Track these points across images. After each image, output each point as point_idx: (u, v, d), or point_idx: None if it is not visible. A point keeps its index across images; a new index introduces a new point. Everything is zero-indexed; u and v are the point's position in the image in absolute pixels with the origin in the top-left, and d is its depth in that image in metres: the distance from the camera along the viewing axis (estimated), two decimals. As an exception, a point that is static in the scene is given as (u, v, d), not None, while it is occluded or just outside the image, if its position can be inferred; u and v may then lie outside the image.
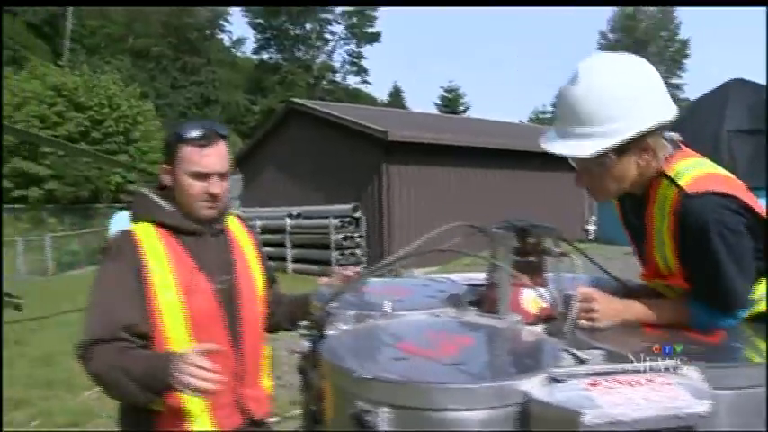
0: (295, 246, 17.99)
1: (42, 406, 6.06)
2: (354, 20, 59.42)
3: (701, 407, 1.15)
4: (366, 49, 66.25)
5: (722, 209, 1.63)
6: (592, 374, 1.26)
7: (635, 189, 1.83)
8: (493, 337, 1.60)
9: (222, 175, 2.16)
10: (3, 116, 11.05)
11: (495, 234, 1.78)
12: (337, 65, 63.94)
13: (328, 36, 61.72)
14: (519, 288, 1.73)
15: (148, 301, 2.02)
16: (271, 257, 13.88)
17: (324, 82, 61.94)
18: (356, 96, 61.78)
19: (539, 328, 1.68)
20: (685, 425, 1.14)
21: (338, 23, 60.26)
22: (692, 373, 1.29)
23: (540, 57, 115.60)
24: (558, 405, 1.16)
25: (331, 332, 1.65)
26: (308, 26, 59.65)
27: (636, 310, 1.73)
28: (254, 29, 59.63)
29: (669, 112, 1.71)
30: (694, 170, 1.72)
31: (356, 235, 16.60)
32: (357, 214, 16.60)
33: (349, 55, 62.82)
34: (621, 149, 1.70)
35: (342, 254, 16.27)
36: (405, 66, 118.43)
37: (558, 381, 1.24)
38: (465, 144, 17.24)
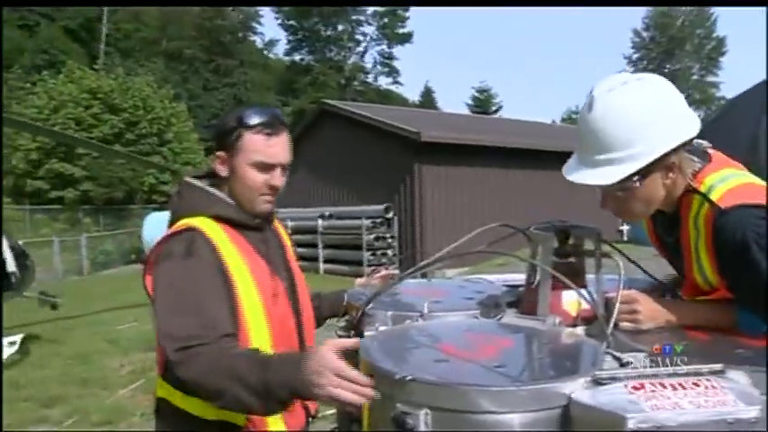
0: (327, 246, 18.05)
1: (77, 404, 6.15)
2: (386, 20, 59.41)
3: (752, 412, 1.12)
4: (397, 50, 66.39)
5: (758, 220, 1.57)
6: (636, 377, 1.23)
7: (665, 207, 1.78)
8: (533, 340, 1.58)
9: (284, 168, 2.01)
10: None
11: (535, 235, 1.76)
12: (369, 65, 64.05)
13: (360, 37, 61.85)
14: (560, 290, 1.71)
15: (233, 300, 1.85)
16: (303, 258, 13.93)
17: (355, 83, 62.07)
18: (387, 97, 61.82)
19: (579, 330, 1.65)
20: (734, 431, 1.12)
21: (369, 24, 60.34)
22: (739, 377, 1.26)
23: (574, 55, 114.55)
24: (601, 408, 1.13)
25: (368, 333, 1.65)
26: (339, 27, 59.84)
27: (680, 311, 1.69)
28: (286, 30, 60.01)
29: (691, 129, 1.64)
30: (725, 183, 1.66)
31: (388, 235, 16.61)
32: (389, 215, 16.60)
33: (380, 55, 62.90)
34: (646, 171, 1.64)
35: (374, 254, 16.29)
36: (436, 66, 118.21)
37: (601, 383, 1.22)
38: (497, 144, 17.16)
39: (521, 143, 17.69)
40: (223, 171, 2.01)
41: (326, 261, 17.99)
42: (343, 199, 19.48)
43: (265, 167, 1.97)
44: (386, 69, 63.53)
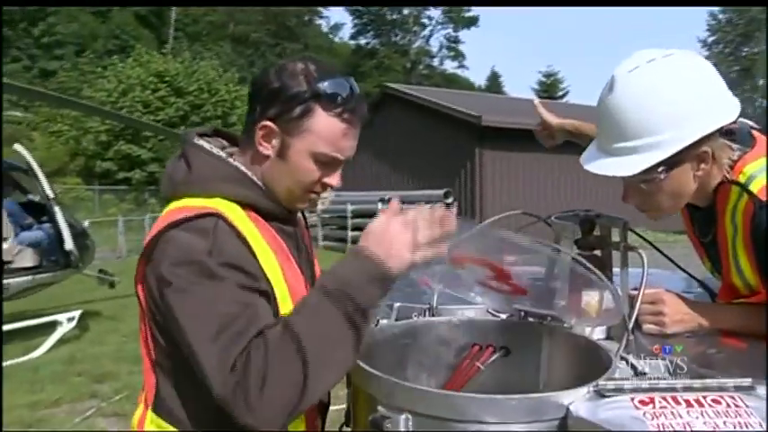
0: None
1: (128, 380, 6.22)
2: (452, 3, 58.96)
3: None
4: (464, 34, 65.76)
5: None
6: (645, 390, 1.08)
7: (698, 202, 1.58)
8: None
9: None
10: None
11: (556, 225, 1.61)
12: (434, 49, 63.68)
13: (425, 20, 61.51)
14: (579, 285, 1.55)
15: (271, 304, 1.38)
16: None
17: (420, 67, 61.85)
18: (453, 81, 61.48)
19: (600, 331, 1.50)
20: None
21: (435, 8, 59.90)
22: (770, 392, 1.10)
23: (645, 37, 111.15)
24: (599, 425, 0.99)
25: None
26: (405, 11, 59.57)
27: (714, 315, 1.51)
28: (352, 14, 60.10)
29: (728, 113, 1.43)
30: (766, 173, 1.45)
31: (447, 220, 16.38)
32: (449, 199, 16.39)
33: (446, 39, 62.45)
34: (673, 162, 1.43)
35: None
36: (503, 50, 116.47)
37: (606, 395, 1.07)
38: (562, 129, 16.72)
39: (586, 128, 17.21)
40: (267, 149, 1.45)
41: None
42: (403, 183, 19.39)
43: (329, 163, 1.46)
44: (451, 53, 63.16)
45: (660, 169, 1.44)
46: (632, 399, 1.05)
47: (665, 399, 1.05)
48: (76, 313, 7.85)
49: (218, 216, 1.35)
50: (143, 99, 28.50)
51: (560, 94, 57.22)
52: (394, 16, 60.35)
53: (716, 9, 54.16)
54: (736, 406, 1.03)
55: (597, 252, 1.63)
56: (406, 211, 1.23)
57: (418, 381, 1.16)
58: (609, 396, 1.07)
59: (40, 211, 8.67)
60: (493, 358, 1.43)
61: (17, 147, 8.81)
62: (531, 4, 66.61)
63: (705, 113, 1.40)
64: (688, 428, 0.97)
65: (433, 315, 1.63)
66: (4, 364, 6.94)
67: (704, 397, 1.05)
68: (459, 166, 16.82)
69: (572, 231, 1.56)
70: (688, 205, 1.63)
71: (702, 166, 1.47)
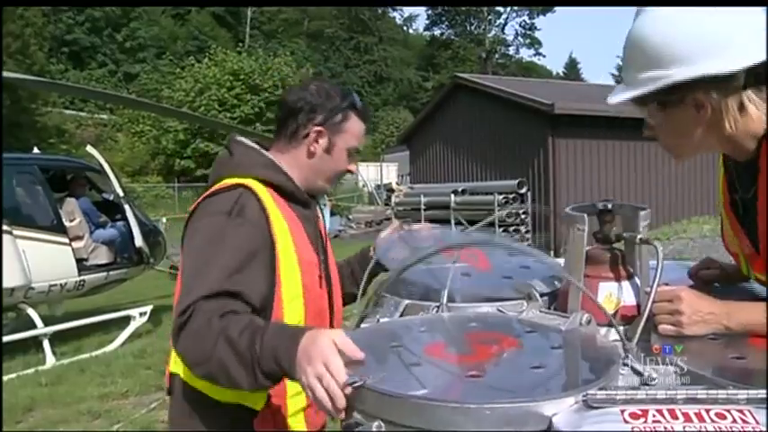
0: (459, 222, 17.76)
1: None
2: (527, -10, 57.98)
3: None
4: (540, 21, 64.59)
5: None
6: (640, 401, 0.96)
7: (738, 155, 1.44)
8: (544, 342, 1.31)
9: None
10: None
11: (566, 216, 1.47)
12: (510, 38, 62.74)
13: (500, 9, 60.59)
14: (594, 280, 1.42)
15: (273, 270, 1.67)
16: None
17: (496, 56, 61.06)
18: (530, 69, 60.57)
19: (613, 333, 1.36)
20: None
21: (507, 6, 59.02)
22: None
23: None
24: (580, 440, 0.88)
25: (365, 325, 1.45)
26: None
27: (741, 314, 1.32)
28: (425, 5, 59.78)
29: (744, 56, 1.27)
30: None
31: (521, 211, 16.09)
32: (522, 190, 16.09)
33: (522, 27, 61.40)
34: (665, 102, 1.37)
35: (506, 231, 15.85)
36: (581, 36, 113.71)
37: (594, 407, 0.96)
38: (635, 115, 16.04)
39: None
40: (316, 148, 1.85)
41: (458, 237, 17.73)
42: (476, 173, 19.18)
43: (352, 154, 1.94)
44: (527, 41, 62.05)
45: (650, 105, 1.42)
46: (623, 411, 0.93)
47: (660, 412, 0.93)
48: (148, 308, 8.05)
49: (245, 187, 1.70)
50: (219, 97, 29.04)
51: (641, 78, 55.53)
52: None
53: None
54: (744, 421, 0.90)
55: (615, 245, 1.49)
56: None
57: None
58: (598, 407, 0.95)
59: (114, 210, 8.95)
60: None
61: (89, 149, 9.10)
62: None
63: (707, 61, 1.28)
64: (680, 447, 0.85)
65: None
66: (82, 357, 7.23)
67: (707, 411, 0.93)
68: (532, 155, 16.45)
69: (583, 223, 1.42)
70: (731, 162, 1.52)
71: (701, 113, 1.34)
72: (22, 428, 5.28)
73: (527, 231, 16.10)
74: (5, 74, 8.44)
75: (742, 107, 1.33)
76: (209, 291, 1.48)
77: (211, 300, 1.47)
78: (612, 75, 56.61)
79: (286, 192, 1.81)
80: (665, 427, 0.89)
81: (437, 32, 61.36)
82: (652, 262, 1.44)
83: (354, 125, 1.89)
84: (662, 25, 1.32)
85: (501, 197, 15.99)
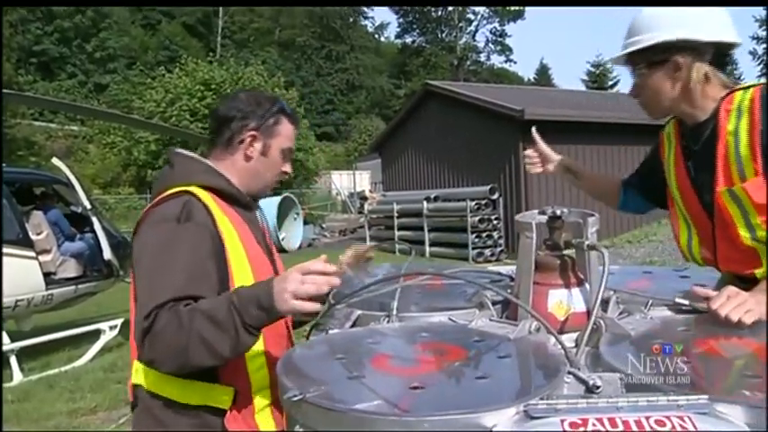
0: (432, 229, 17.79)
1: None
2: (496, -3, 58.37)
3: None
4: (510, 27, 65.04)
5: None
6: (581, 410, 0.95)
7: (696, 114, 1.86)
8: (489, 352, 1.30)
9: None
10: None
11: (518, 223, 1.47)
12: (481, 45, 63.13)
13: (471, 16, 61.04)
14: (544, 287, 1.42)
15: (226, 270, 1.74)
16: (409, 241, 13.86)
17: (468, 63, 61.42)
18: (501, 76, 60.86)
19: (565, 340, 1.35)
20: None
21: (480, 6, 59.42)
22: (734, 412, 0.96)
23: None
24: (518, 453, 0.87)
25: (312, 338, 1.43)
26: (449, 7, 59.24)
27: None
28: (396, 13, 60.02)
29: (713, 33, 1.75)
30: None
31: (493, 217, 16.16)
32: (494, 196, 16.17)
33: (492, 34, 61.81)
34: (651, 62, 1.82)
35: (478, 237, 15.92)
36: (552, 41, 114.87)
37: (535, 417, 0.95)
38: (606, 120, 16.28)
39: (632, 119, 16.53)
40: (254, 152, 1.95)
41: (432, 244, 17.73)
42: (448, 180, 19.27)
43: (287, 155, 2.03)
44: (498, 48, 62.47)
45: (641, 65, 1.85)
46: (563, 420, 0.93)
47: (600, 420, 0.92)
48: (119, 321, 7.92)
49: (189, 194, 1.77)
50: (190, 107, 28.76)
51: (610, 83, 55.91)
52: (439, 13, 60.06)
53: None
54: (683, 427, 0.90)
55: (566, 252, 1.48)
56: (314, 262, 1.45)
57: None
58: (539, 417, 0.94)
59: (83, 223, 8.83)
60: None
61: (55, 161, 8.96)
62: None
63: (683, 26, 1.75)
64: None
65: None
66: (51, 372, 7.10)
67: (647, 418, 0.92)
68: (503, 161, 16.56)
69: (531, 230, 1.42)
70: (683, 129, 1.95)
71: (677, 74, 1.80)
72: (-14, 447, 5.17)
73: (500, 237, 16.17)
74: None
75: (707, 77, 1.79)
76: (171, 295, 1.53)
77: (173, 303, 1.53)
78: (583, 80, 56.98)
79: (228, 195, 1.89)
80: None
81: (408, 40, 61.57)
82: (615, 267, 1.46)
83: (286, 127, 1.99)
84: (655, 6, 1.82)
85: (473, 203, 16.04)
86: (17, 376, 6.92)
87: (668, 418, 0.92)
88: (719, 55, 1.80)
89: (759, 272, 1.71)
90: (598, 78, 55.07)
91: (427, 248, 17.69)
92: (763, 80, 1.74)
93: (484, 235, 16.01)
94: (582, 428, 0.90)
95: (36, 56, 44.30)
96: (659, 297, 1.56)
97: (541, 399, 0.98)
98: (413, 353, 1.30)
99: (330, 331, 1.49)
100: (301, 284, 1.39)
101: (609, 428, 0.90)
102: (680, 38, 1.74)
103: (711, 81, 1.79)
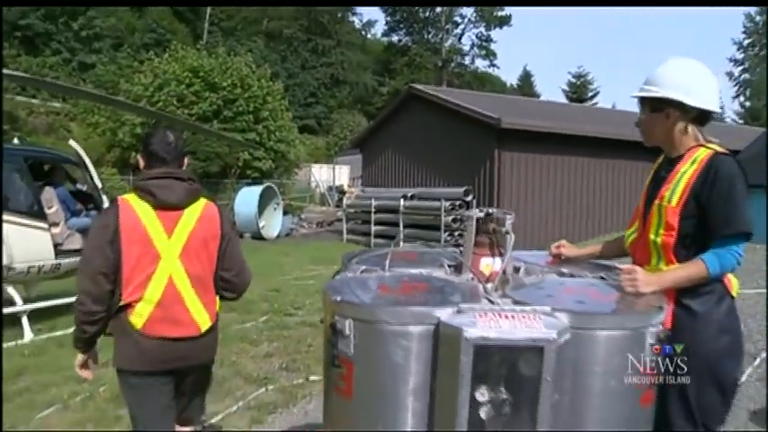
0: (407, 225, 18.59)
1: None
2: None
3: (550, 334, 1.75)
4: (496, 33, 65.45)
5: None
6: (485, 311, 1.86)
7: (671, 151, 2.58)
8: (444, 286, 2.23)
9: None
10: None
11: (466, 218, 2.41)
12: (466, 48, 63.66)
13: (458, 19, 61.53)
14: (479, 256, 2.35)
15: (117, 257, 2.81)
16: (384, 236, 14.46)
17: (452, 65, 61.82)
18: (484, 80, 61.33)
19: (489, 285, 2.27)
20: (536, 346, 1.74)
21: (468, 6, 59.92)
22: (562, 316, 1.88)
23: (677, 41, 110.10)
24: (452, 325, 1.78)
25: (338, 276, 2.35)
26: (437, 9, 59.72)
27: (668, 276, 2.41)
28: (385, 11, 60.34)
29: (698, 102, 2.46)
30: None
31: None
32: (468, 197, 17.01)
33: (478, 38, 62.42)
34: (653, 108, 2.56)
35: (451, 235, 16.76)
36: (536, 50, 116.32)
37: (461, 312, 1.86)
38: (578, 133, 17.21)
39: (604, 132, 17.32)
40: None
41: (406, 239, 18.58)
42: (426, 180, 20.09)
43: None
44: (483, 52, 63.10)
45: (646, 107, 2.59)
46: (476, 314, 1.84)
47: (495, 314, 1.84)
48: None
49: (117, 201, 2.91)
50: (178, 93, 29.18)
51: (590, 95, 57.19)
52: (426, 14, 60.58)
53: (753, 10, 53.80)
54: (534, 319, 1.82)
55: (492, 236, 2.43)
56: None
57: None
58: (464, 312, 1.86)
59: (87, 200, 9.61)
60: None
61: (71, 143, 9.72)
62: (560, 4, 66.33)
63: (678, 91, 2.46)
64: (499, 328, 1.75)
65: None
66: (58, 333, 7.81)
67: (514, 315, 1.84)
68: (479, 165, 17.43)
69: (472, 222, 2.36)
70: (662, 160, 2.67)
71: (667, 121, 2.52)
72: (15, 390, 5.84)
73: (470, 236, 17.02)
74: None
75: (686, 129, 2.53)
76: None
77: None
78: (563, 90, 58.24)
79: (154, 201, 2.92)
80: (496, 321, 1.79)
81: (395, 39, 62.20)
82: (541, 252, 2.41)
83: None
84: (668, 67, 2.55)
85: (448, 203, 16.83)
86: (28, 335, 7.65)
87: (527, 315, 1.84)
88: (702, 116, 2.53)
89: (647, 267, 2.50)
90: (578, 89, 56.23)
91: (402, 243, 18.51)
92: (727, 131, 2.57)
93: (456, 234, 16.89)
94: (484, 317, 1.81)
95: (20, 29, 44.00)
96: (552, 267, 2.54)
97: (466, 305, 1.91)
98: (401, 285, 2.22)
99: (348, 275, 2.42)
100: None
101: (497, 318, 1.81)
102: (674, 98, 2.47)
103: (688, 133, 2.53)
